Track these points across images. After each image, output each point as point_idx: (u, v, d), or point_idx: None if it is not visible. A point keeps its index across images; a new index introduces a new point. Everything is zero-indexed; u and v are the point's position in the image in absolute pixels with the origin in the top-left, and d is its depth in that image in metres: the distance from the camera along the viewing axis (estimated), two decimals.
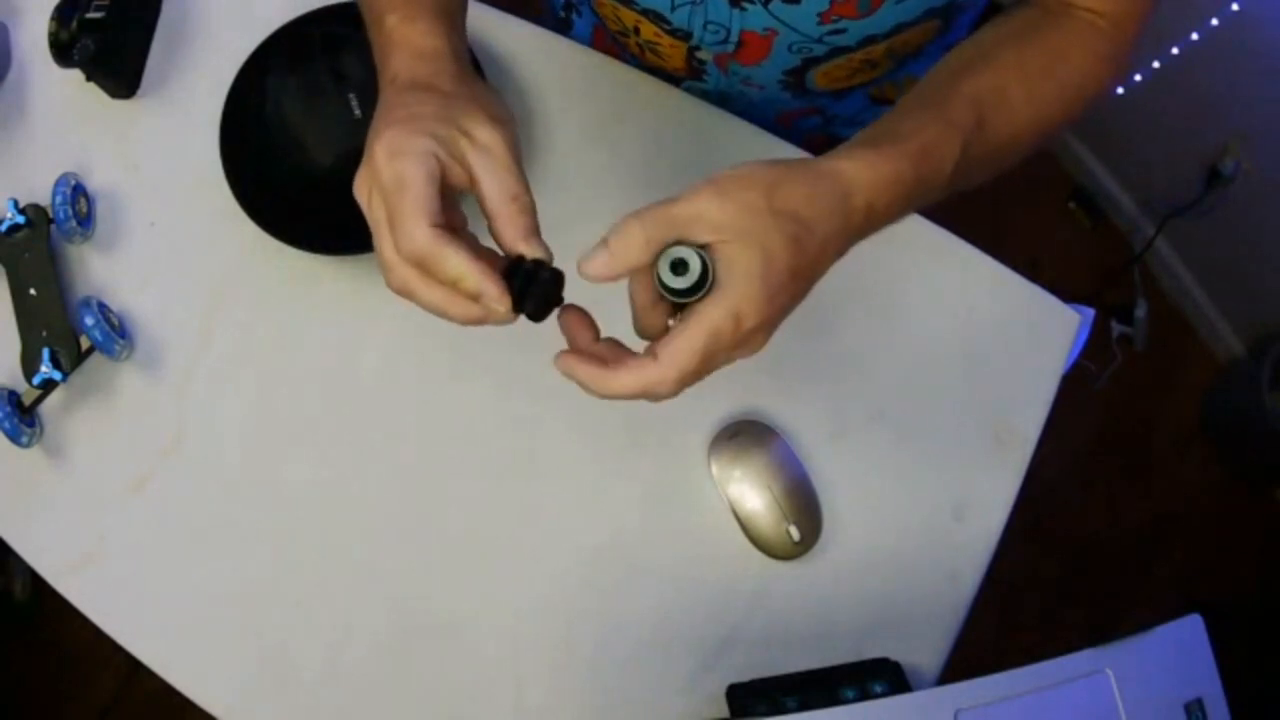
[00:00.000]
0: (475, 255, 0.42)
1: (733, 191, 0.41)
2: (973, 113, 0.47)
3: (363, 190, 0.44)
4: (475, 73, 0.51)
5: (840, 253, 0.44)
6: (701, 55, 0.71)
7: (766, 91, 0.73)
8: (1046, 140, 0.52)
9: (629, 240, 0.40)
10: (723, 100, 0.75)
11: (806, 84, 0.71)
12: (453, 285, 0.42)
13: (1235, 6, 1.30)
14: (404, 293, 0.44)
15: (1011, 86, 0.49)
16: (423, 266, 0.42)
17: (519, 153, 0.45)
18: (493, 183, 0.43)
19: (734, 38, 0.66)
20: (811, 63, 0.68)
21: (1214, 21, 1.33)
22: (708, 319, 0.40)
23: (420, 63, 0.47)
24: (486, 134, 0.44)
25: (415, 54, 0.47)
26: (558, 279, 0.44)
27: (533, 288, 0.43)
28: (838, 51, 0.66)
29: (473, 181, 0.44)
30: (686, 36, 0.69)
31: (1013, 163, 0.51)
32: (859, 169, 0.42)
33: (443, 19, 0.49)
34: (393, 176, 0.42)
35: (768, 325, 0.42)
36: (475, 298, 0.42)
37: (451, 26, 0.50)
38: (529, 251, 0.43)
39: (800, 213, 0.41)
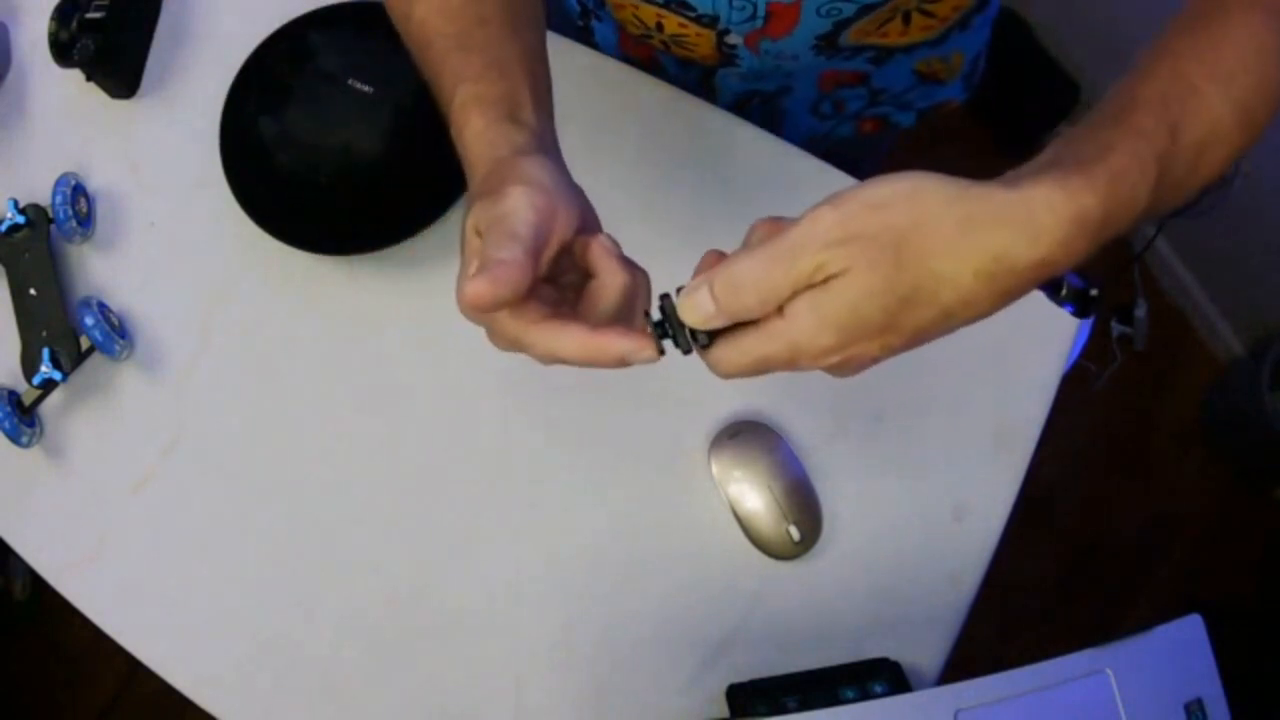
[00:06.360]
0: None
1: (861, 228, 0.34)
2: (1163, 116, 0.39)
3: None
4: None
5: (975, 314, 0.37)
6: (731, 39, 0.70)
7: (801, 61, 0.72)
8: (1252, 138, 0.42)
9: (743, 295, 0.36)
10: (760, 79, 0.73)
11: (840, 43, 0.69)
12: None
13: None
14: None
15: (1194, 75, 0.41)
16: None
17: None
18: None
19: (761, 12, 0.65)
20: (842, 25, 0.67)
21: None
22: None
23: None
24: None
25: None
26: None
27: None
28: (867, 9, 0.64)
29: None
30: (713, 21, 0.68)
31: (1218, 168, 0.42)
32: (1051, 204, 0.34)
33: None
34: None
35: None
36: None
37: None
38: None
39: (929, 281, 0.34)
